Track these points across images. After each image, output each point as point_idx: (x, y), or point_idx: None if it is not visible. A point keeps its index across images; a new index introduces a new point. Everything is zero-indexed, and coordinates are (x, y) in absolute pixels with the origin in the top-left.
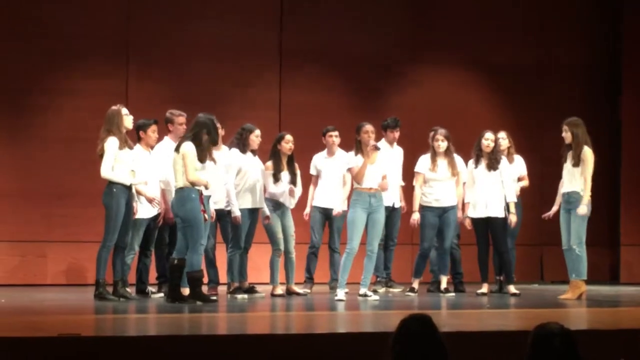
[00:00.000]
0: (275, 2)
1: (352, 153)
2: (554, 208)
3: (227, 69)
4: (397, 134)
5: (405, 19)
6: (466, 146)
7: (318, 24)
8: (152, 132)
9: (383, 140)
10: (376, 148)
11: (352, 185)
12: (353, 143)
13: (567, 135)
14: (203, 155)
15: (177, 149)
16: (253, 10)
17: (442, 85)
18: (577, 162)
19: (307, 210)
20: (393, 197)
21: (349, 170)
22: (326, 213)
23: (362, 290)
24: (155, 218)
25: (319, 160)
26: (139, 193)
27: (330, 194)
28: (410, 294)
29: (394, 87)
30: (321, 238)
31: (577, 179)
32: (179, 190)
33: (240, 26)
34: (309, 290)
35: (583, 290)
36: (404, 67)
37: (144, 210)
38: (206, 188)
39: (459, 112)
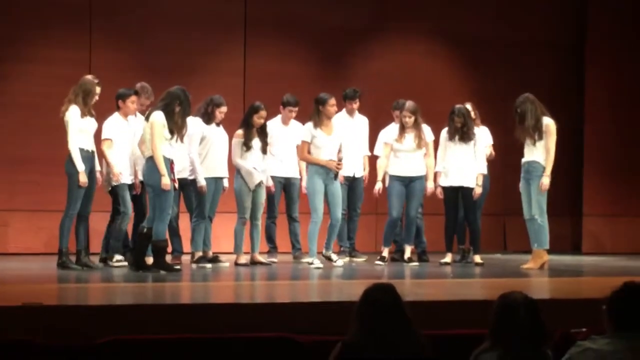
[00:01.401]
0: None
1: (309, 124)
2: None
3: (192, 37)
4: (356, 105)
5: None
6: (432, 115)
7: None
8: (131, 102)
9: (343, 110)
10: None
11: (301, 155)
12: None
13: (519, 117)
14: (175, 126)
15: (147, 118)
16: None
17: (408, 55)
18: (540, 136)
19: (270, 182)
20: (354, 168)
21: (305, 143)
22: (284, 182)
23: (327, 253)
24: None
25: (274, 129)
26: (108, 163)
27: (285, 163)
28: (380, 262)
29: (360, 56)
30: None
31: (538, 148)
32: (149, 159)
33: None
34: (275, 260)
35: (545, 260)
36: (370, 36)
37: (126, 177)
38: (171, 163)
39: (425, 82)
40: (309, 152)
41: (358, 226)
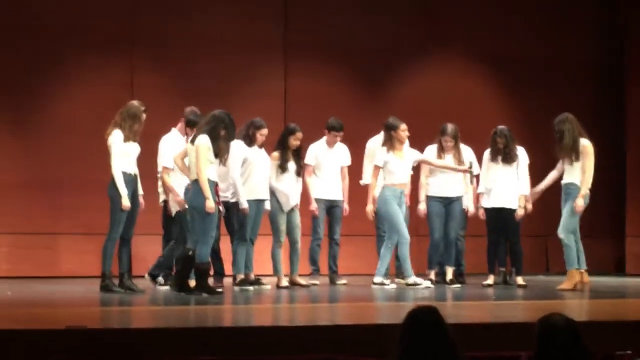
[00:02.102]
0: None
1: (383, 149)
2: (537, 188)
3: (233, 60)
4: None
5: (411, 10)
6: (472, 137)
7: (323, 14)
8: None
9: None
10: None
11: (375, 179)
12: (357, 133)
13: (558, 137)
14: (219, 150)
15: (192, 141)
16: (257, 2)
17: (448, 76)
18: (577, 157)
19: (314, 205)
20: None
21: (377, 168)
22: (328, 205)
23: (378, 279)
24: None
25: (318, 151)
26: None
27: (331, 186)
28: (428, 284)
29: (400, 78)
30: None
31: (575, 169)
32: (194, 182)
33: (245, 18)
34: (317, 282)
35: (578, 280)
36: (410, 58)
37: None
38: (216, 185)
39: (464, 103)
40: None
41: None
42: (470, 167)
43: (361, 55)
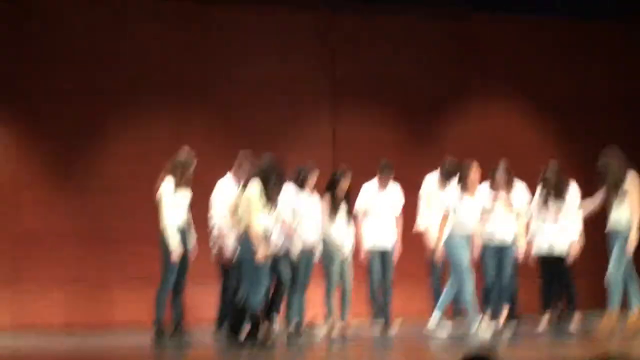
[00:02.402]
0: (328, 40)
1: (454, 193)
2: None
3: (282, 106)
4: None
5: (458, 52)
6: (522, 177)
7: (370, 60)
8: None
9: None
10: None
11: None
12: (406, 177)
13: (602, 170)
14: (269, 197)
15: (242, 189)
16: (306, 49)
17: (494, 118)
18: (623, 193)
19: (366, 251)
20: None
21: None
22: (380, 249)
23: (437, 315)
24: None
25: (370, 194)
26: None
27: (383, 229)
28: (481, 327)
29: (446, 119)
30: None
31: (623, 206)
32: (246, 231)
33: (293, 65)
34: (371, 327)
35: (613, 323)
36: (456, 100)
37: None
38: (265, 234)
39: (510, 143)
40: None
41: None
42: (524, 210)
43: (409, 99)
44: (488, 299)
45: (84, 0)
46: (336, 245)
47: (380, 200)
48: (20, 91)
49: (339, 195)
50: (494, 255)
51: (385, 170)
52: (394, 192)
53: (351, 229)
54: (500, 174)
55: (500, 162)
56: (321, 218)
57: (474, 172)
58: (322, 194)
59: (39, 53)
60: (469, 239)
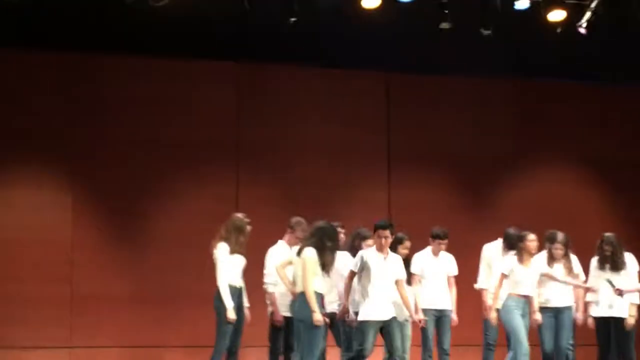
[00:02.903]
0: (381, 103)
1: (512, 258)
2: None
3: (336, 169)
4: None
5: (511, 116)
6: (575, 243)
7: (425, 123)
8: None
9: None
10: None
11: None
12: (463, 241)
13: None
14: (325, 262)
15: (299, 254)
16: (359, 113)
17: (552, 182)
18: None
19: (420, 316)
20: None
21: (503, 275)
22: (436, 314)
23: None
24: None
25: (424, 261)
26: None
27: (438, 295)
28: None
29: (504, 184)
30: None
31: None
32: (301, 294)
33: (347, 128)
34: None
35: None
36: (514, 164)
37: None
38: (322, 298)
39: (568, 209)
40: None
41: None
42: (585, 281)
43: (464, 162)
44: None
45: (139, 62)
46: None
47: (434, 266)
48: (75, 152)
49: None
50: (551, 322)
51: (437, 237)
52: (447, 259)
53: (411, 294)
54: (560, 242)
55: (558, 232)
56: None
57: (528, 242)
58: None
59: (93, 115)
60: (525, 305)
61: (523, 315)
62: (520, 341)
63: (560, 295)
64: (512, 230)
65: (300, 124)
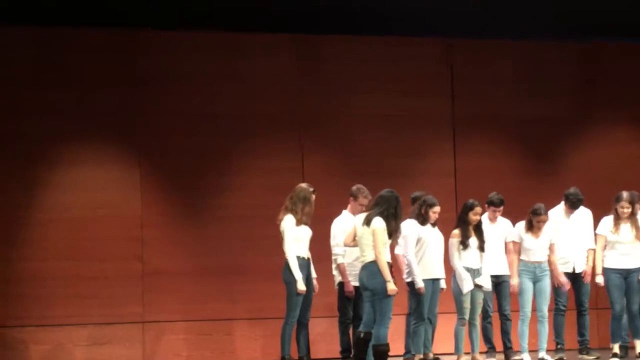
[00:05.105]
0: (444, 70)
1: (520, 224)
2: None
3: (400, 137)
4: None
5: (573, 79)
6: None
7: (488, 88)
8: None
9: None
10: None
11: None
12: (529, 206)
13: None
14: (392, 230)
15: (367, 223)
16: (422, 79)
17: (616, 143)
18: None
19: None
20: (573, 263)
21: (516, 243)
22: (494, 280)
23: (541, 354)
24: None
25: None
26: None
27: (496, 261)
28: (614, 359)
29: (568, 147)
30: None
31: None
32: (370, 264)
33: (410, 96)
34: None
35: None
36: (577, 127)
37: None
38: (391, 267)
39: (633, 170)
40: (516, 251)
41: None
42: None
43: (528, 127)
44: (616, 330)
45: (201, 37)
46: (464, 281)
47: (490, 232)
48: (141, 129)
49: (469, 227)
50: (621, 284)
51: (492, 204)
52: (505, 225)
53: (483, 260)
54: (626, 201)
55: (624, 191)
56: (452, 251)
57: (536, 221)
58: (444, 226)
59: (157, 92)
60: (536, 269)
61: (538, 280)
62: (522, 305)
63: (629, 257)
64: (572, 191)
65: (361, 93)
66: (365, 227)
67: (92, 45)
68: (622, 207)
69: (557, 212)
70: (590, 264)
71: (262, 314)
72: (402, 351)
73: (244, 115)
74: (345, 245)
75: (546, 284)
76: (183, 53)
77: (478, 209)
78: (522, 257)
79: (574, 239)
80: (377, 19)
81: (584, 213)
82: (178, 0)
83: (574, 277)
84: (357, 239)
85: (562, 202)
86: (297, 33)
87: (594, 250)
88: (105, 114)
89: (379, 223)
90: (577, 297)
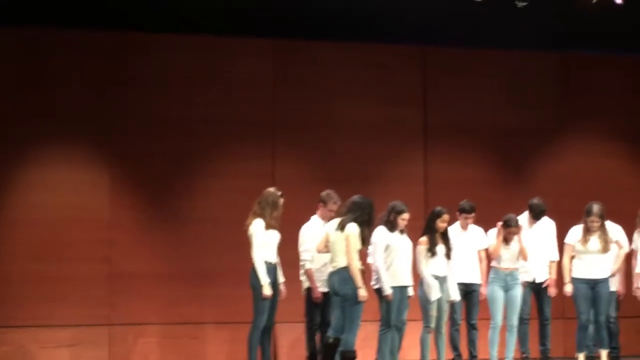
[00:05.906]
0: (417, 77)
1: (492, 231)
2: None
3: (372, 145)
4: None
5: (550, 88)
6: (616, 216)
7: (461, 97)
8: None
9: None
10: None
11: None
12: (499, 215)
13: None
14: (365, 237)
15: (341, 229)
16: (395, 87)
17: (588, 156)
18: None
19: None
20: (534, 272)
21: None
22: (464, 289)
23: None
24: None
25: (452, 235)
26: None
27: (466, 269)
28: None
29: (539, 158)
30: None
31: None
32: (342, 270)
33: (383, 104)
34: None
35: None
36: (549, 138)
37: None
38: (362, 274)
39: (605, 183)
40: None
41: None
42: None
43: (500, 137)
44: (581, 339)
45: (176, 40)
46: (431, 288)
47: (462, 240)
48: (111, 131)
49: (436, 234)
50: (587, 294)
51: (464, 210)
52: (476, 232)
53: (449, 268)
54: (595, 215)
55: (594, 203)
56: (419, 258)
57: (507, 233)
58: (412, 233)
59: (128, 94)
60: (507, 277)
61: (509, 288)
62: (492, 314)
63: (596, 267)
64: (536, 201)
65: (336, 99)
66: (339, 232)
67: (62, 46)
68: (592, 222)
69: (521, 221)
70: (553, 276)
71: (231, 318)
72: (372, 358)
73: (218, 119)
74: (318, 251)
75: (517, 293)
76: (159, 56)
77: (445, 217)
78: (494, 264)
79: (535, 249)
80: (354, 24)
81: (547, 224)
82: (156, 3)
83: (535, 287)
84: (329, 244)
85: (527, 212)
86: (275, 38)
87: (556, 262)
88: (76, 115)
89: (353, 229)
90: (539, 307)
